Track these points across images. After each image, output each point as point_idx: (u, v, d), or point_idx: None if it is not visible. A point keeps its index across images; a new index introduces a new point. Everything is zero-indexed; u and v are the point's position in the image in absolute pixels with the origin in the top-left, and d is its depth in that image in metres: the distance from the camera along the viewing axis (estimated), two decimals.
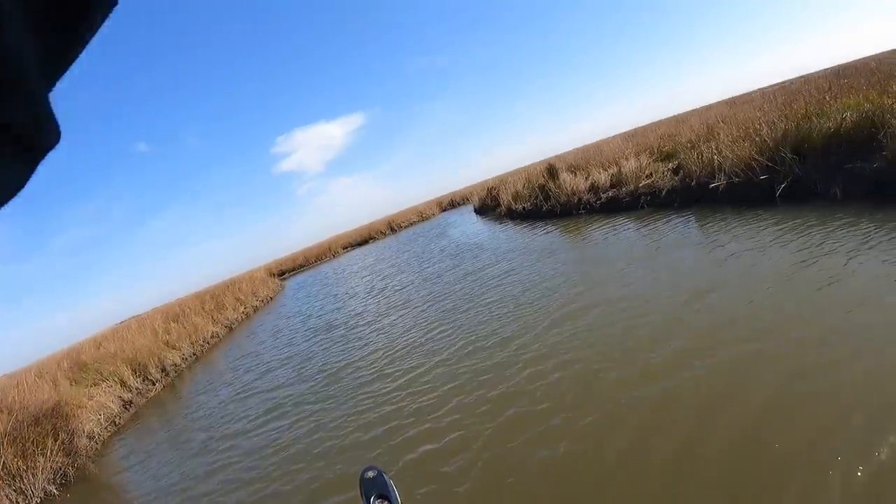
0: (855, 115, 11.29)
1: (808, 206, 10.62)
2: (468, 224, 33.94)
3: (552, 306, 9.80)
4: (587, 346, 7.51)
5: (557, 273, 12.23)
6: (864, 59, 29.64)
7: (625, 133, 39.62)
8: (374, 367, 10.18)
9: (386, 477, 2.58)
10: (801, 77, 32.97)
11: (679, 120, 30.67)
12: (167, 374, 18.44)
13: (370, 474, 2.58)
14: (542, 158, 42.81)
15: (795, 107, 13.99)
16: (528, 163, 58.41)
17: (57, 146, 0.46)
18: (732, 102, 30.98)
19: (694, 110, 37.97)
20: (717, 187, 13.53)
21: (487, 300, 11.93)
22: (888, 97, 11.27)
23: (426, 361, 9.39)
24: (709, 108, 35.17)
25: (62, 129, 0.46)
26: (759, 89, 36.56)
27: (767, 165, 12.29)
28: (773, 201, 11.74)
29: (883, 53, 30.67)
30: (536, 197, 24.37)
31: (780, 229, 9.80)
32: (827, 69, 30.59)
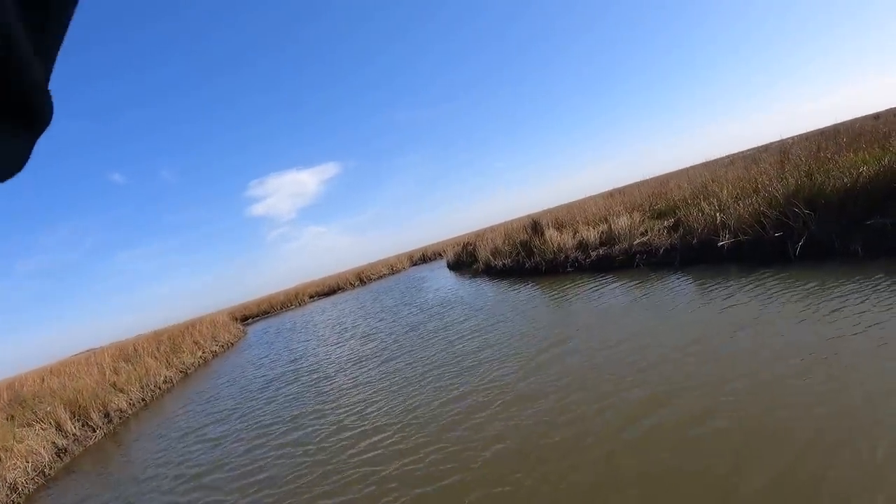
0: (872, 169, 10.89)
1: (826, 265, 10.10)
2: (442, 280, 32.94)
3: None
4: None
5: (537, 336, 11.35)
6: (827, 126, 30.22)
7: (604, 192, 39.48)
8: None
9: None
10: (770, 143, 33.54)
11: (661, 181, 30.75)
12: (110, 421, 16.62)
13: None
14: (518, 215, 42.51)
15: (807, 161, 13.65)
16: (501, 219, 58.31)
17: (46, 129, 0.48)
18: (706, 165, 31.54)
19: (672, 172, 38.22)
20: (723, 245, 12.91)
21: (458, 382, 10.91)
22: None
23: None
24: (685, 170, 35.47)
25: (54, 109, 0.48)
26: (730, 154, 36.95)
27: (780, 221, 11.75)
28: (787, 259, 11.18)
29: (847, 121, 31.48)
30: (518, 253, 23.66)
31: (791, 291, 9.21)
32: (795, 136, 31.28)
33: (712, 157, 35.06)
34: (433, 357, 12.31)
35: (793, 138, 29.11)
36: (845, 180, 11.15)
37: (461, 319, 16.22)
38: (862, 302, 7.68)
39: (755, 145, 41.68)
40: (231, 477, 9.01)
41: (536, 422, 7.11)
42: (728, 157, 35.63)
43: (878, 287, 8.05)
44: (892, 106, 32.86)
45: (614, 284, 14.63)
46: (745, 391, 6.15)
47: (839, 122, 35.10)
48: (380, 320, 22.42)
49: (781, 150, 21.68)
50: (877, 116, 24.03)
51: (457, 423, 7.93)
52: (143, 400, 19.45)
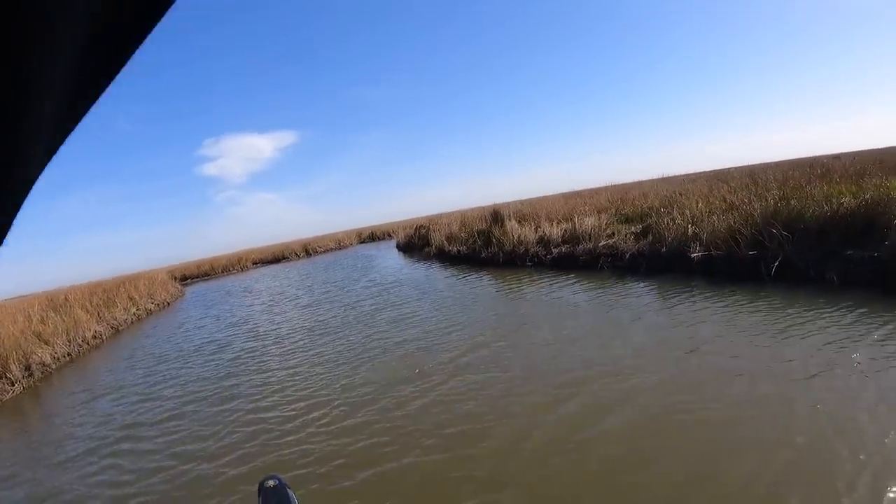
0: (854, 202, 10.97)
1: (800, 290, 10.01)
2: (391, 260, 32.38)
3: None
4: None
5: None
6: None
7: (564, 193, 39.47)
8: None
9: (288, 488, 2.21)
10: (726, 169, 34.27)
11: (620, 189, 30.95)
12: (31, 375, 15.14)
13: (270, 483, 2.21)
14: (472, 206, 42.15)
15: (779, 186, 13.90)
16: (453, 208, 57.93)
17: None
18: (664, 180, 32.22)
19: (630, 182, 38.55)
20: (694, 257, 12.78)
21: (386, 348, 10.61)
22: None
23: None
24: (641, 182, 35.82)
25: None
26: (688, 174, 37.37)
27: (756, 240, 11.70)
28: (759, 279, 11.06)
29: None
30: (475, 241, 23.26)
31: (758, 311, 9.22)
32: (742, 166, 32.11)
33: (669, 174, 35.28)
34: (361, 339, 12.09)
35: (756, 165, 29.70)
36: (825, 208, 11.20)
37: (405, 301, 15.95)
38: (823, 330, 7.77)
39: (710, 168, 42.18)
40: (151, 436, 8.51)
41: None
42: (686, 175, 35.93)
43: (843, 318, 8.13)
44: (852, 149, 33.84)
45: (574, 284, 14.37)
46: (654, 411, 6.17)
47: (799, 157, 36.24)
48: (322, 294, 21.95)
49: (750, 174, 22.40)
50: (837, 157, 25.03)
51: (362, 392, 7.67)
52: (68, 354, 18.00)
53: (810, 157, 31.39)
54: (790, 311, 8.90)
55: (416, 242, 34.71)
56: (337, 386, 9.09)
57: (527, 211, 24.84)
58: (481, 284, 16.94)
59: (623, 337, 9.14)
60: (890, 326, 7.44)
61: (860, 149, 37.13)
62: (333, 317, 15.71)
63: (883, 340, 7.01)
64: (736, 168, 35.89)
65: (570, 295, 13.15)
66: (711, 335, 8.45)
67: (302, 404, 8.53)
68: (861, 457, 4.54)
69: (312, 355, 11.51)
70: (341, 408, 8.04)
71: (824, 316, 8.33)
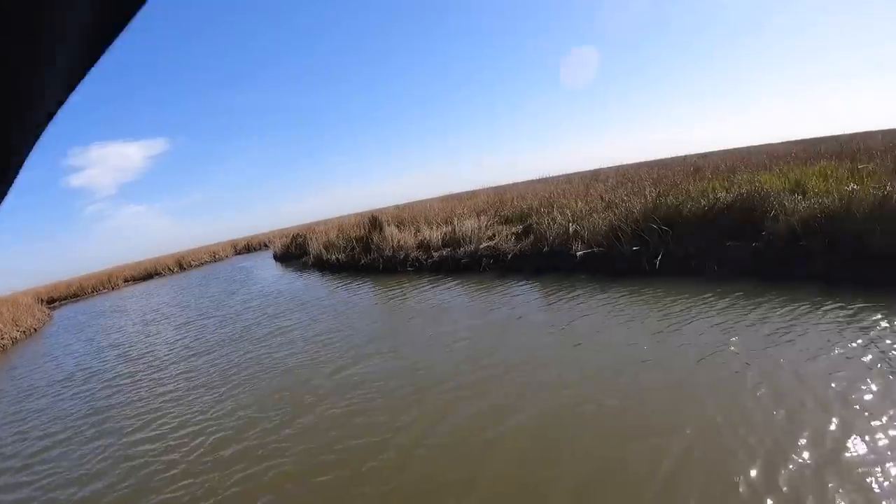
0: (729, 196, 11.24)
1: (681, 281, 10.18)
2: (268, 271, 30.70)
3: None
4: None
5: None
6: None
7: (440, 196, 39.14)
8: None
9: None
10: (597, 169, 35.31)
11: (497, 191, 30.91)
12: None
13: None
14: (349, 213, 41.24)
15: (655, 184, 14.23)
16: (332, 215, 56.53)
17: None
18: (540, 182, 32.10)
19: (507, 184, 38.84)
20: (577, 255, 12.58)
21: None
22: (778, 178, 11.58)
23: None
24: (516, 184, 36.12)
25: None
26: (565, 174, 37.90)
27: (637, 236, 11.72)
28: (643, 273, 11.13)
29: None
30: (353, 248, 22.38)
31: (640, 304, 9.42)
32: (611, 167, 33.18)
33: (546, 175, 35.65)
34: (238, 357, 11.21)
35: (630, 165, 30.60)
36: (703, 203, 11.38)
37: (283, 313, 15.06)
38: (704, 318, 8.10)
39: (585, 168, 43.23)
40: (14, 483, 7.36)
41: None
42: (562, 175, 36.42)
43: (718, 304, 8.57)
44: (714, 149, 35.48)
45: (456, 287, 13.90)
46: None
47: (670, 156, 37.71)
48: (197, 311, 20.34)
49: (624, 173, 22.97)
50: (704, 156, 26.31)
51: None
52: None
53: (681, 157, 32.69)
54: (672, 301, 9.12)
55: (294, 252, 33.35)
56: (217, 410, 8.27)
57: (405, 216, 24.21)
58: (361, 292, 16.09)
59: (507, 336, 8.99)
60: (764, 308, 7.96)
61: (726, 148, 39.39)
62: (210, 334, 14.48)
63: (756, 324, 7.44)
64: (609, 167, 36.85)
65: (453, 298, 12.71)
66: (596, 329, 8.54)
67: (180, 433, 7.71)
68: (750, 440, 4.70)
69: (189, 378, 10.48)
70: (222, 434, 7.32)
71: (704, 304, 8.67)
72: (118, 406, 9.83)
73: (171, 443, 7.41)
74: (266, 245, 54.73)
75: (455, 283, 14.49)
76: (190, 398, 9.16)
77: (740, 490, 4.11)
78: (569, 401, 6.12)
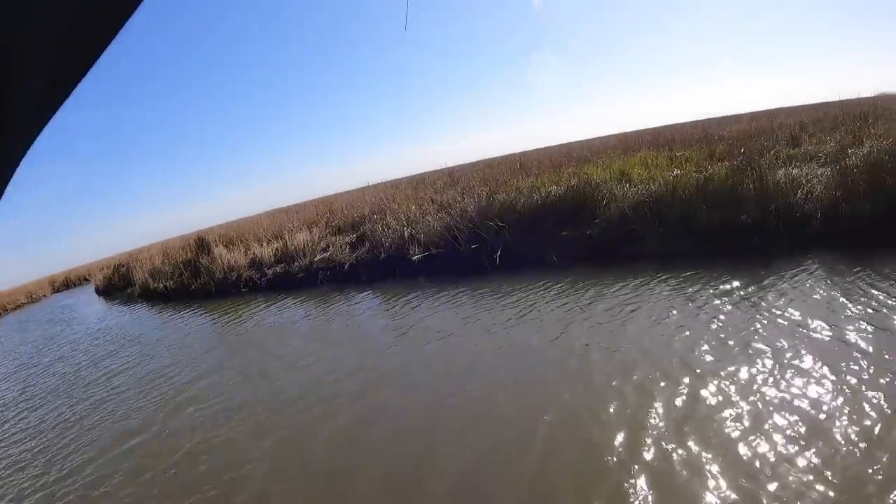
0: (560, 189, 11.53)
1: (521, 273, 10.32)
2: (89, 308, 27.77)
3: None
4: None
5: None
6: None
7: (268, 211, 37.81)
8: None
9: None
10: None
11: (326, 201, 30.38)
12: None
13: None
14: (172, 236, 38.89)
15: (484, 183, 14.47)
16: (154, 240, 52.83)
17: None
18: (368, 189, 32.03)
19: (335, 194, 38.53)
20: (415, 259, 12.11)
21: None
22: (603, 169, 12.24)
23: None
24: (341, 194, 35.81)
25: None
26: (389, 180, 37.97)
27: (475, 234, 11.59)
28: (484, 270, 11.04)
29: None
30: (181, 274, 20.64)
31: (484, 299, 9.49)
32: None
33: (373, 182, 35.52)
34: (62, 413, 9.60)
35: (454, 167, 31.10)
36: (535, 198, 11.53)
37: (111, 353, 13.31)
38: (544, 305, 8.45)
39: (410, 173, 43.82)
40: None
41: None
42: (388, 182, 36.35)
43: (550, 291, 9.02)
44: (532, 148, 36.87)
45: (293, 304, 13.00)
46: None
47: (491, 156, 38.76)
48: (17, 362, 17.94)
49: (450, 174, 23.14)
50: (523, 154, 27.28)
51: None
52: None
53: (503, 156, 33.60)
54: (513, 294, 9.30)
55: (118, 283, 30.54)
56: (56, 470, 7.01)
57: (233, 234, 22.66)
58: (194, 321, 14.62)
59: (350, 348, 8.68)
60: (601, 288, 8.53)
61: (548, 145, 41.22)
62: (36, 386, 12.47)
63: (595, 303, 7.98)
64: (436, 170, 37.26)
65: (291, 315, 11.94)
66: (439, 328, 8.45)
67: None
68: (605, 418, 4.88)
69: (17, 441, 8.65)
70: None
71: (545, 291, 9.03)
72: None
73: None
74: (87, 279, 50.31)
75: (292, 300, 13.50)
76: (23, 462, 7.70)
77: (609, 462, 4.26)
78: (428, 402, 6.09)
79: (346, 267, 14.03)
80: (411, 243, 12.65)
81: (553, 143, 41.37)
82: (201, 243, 20.61)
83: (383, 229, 13.91)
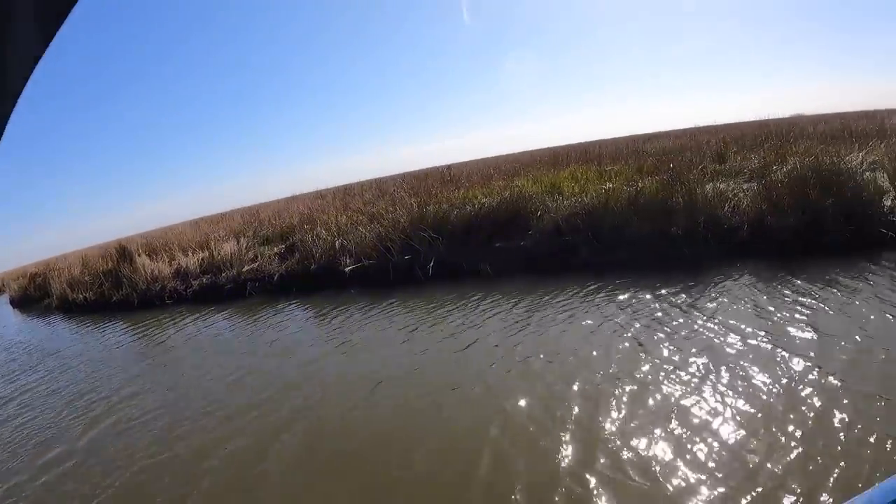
0: (493, 201, 11.62)
1: (454, 284, 10.33)
2: (6, 319, 26.26)
3: None
4: None
5: None
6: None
7: (193, 220, 36.77)
8: None
9: None
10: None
11: (251, 210, 29.96)
12: None
13: None
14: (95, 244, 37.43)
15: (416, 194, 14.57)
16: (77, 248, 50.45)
17: None
18: (291, 199, 31.84)
19: (258, 204, 38.25)
20: (346, 270, 11.82)
21: None
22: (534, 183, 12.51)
23: None
24: (268, 203, 35.45)
25: None
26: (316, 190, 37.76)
27: (408, 245, 11.47)
28: (418, 281, 11.01)
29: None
30: (101, 284, 19.68)
31: (414, 310, 9.49)
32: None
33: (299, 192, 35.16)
34: None
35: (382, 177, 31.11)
36: (468, 209, 11.57)
37: (26, 370, 12.41)
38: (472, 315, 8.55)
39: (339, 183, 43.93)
40: None
41: None
42: (316, 191, 36.05)
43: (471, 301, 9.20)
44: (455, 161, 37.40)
45: (220, 317, 12.44)
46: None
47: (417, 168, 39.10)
48: None
49: (378, 186, 23.24)
50: (448, 167, 27.52)
51: None
52: None
53: (430, 168, 33.91)
54: (445, 304, 9.35)
55: (34, 294, 29.04)
56: None
57: (157, 243, 21.78)
58: (115, 335, 13.77)
59: (277, 361, 8.38)
60: (535, 298, 8.65)
61: (476, 158, 41.89)
62: None
63: (529, 313, 8.09)
64: (363, 181, 37.27)
65: (217, 329, 11.44)
66: (369, 339, 8.42)
67: None
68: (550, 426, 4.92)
69: None
70: None
71: (477, 302, 9.10)
72: None
73: None
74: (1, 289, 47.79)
75: (219, 312, 12.92)
76: None
77: (562, 465, 4.27)
78: (361, 417, 5.91)
79: (276, 278, 13.58)
80: (342, 254, 12.34)
81: (476, 157, 42.19)
82: (123, 252, 19.67)
83: (314, 240, 13.54)
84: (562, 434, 4.69)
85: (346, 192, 25.99)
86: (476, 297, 9.25)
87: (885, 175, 9.64)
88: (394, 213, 12.81)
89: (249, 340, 9.90)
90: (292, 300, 12.21)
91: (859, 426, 4.15)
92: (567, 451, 4.44)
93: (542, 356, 6.43)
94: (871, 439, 4.00)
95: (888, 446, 3.89)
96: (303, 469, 5.16)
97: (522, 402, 5.38)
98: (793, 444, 4.10)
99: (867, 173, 9.87)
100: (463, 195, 13.16)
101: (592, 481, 4.03)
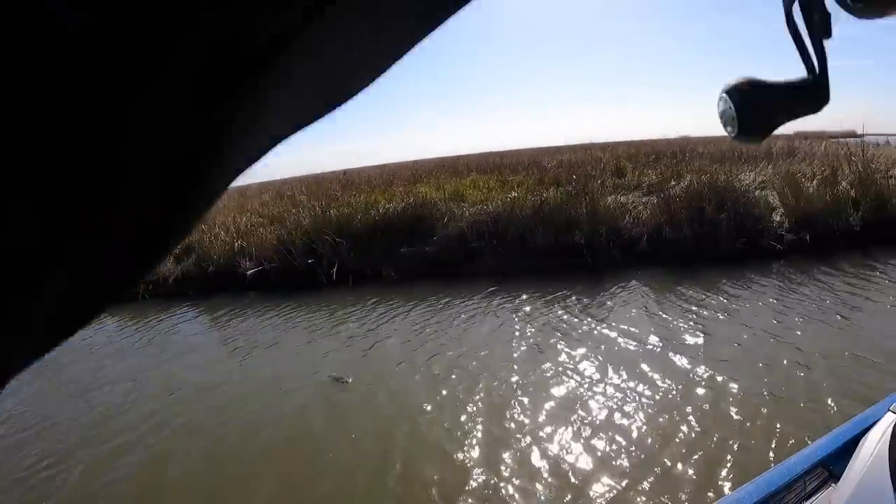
0: (399, 206, 11.70)
1: (357, 290, 10.28)
2: None
3: None
4: None
5: None
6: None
7: None
8: None
9: None
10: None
11: None
12: None
13: None
14: None
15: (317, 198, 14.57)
16: None
17: None
18: None
19: None
20: (246, 274, 11.51)
21: None
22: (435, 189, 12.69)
23: None
24: None
25: None
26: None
27: (310, 249, 11.30)
28: (318, 286, 10.83)
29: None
30: None
31: (314, 316, 9.32)
32: None
33: None
34: None
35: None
36: (372, 214, 11.62)
37: None
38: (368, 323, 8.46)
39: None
40: None
41: None
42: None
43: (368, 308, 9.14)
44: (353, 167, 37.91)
45: (108, 323, 11.46)
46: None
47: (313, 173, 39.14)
48: None
49: (277, 189, 23.12)
50: (344, 172, 28.09)
51: None
52: None
53: (328, 172, 34.01)
54: (343, 309, 9.28)
55: None
56: None
57: None
58: None
59: (168, 365, 8.01)
60: (440, 305, 8.64)
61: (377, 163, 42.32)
62: None
63: (432, 320, 8.08)
64: (260, 182, 36.82)
65: (103, 334, 10.50)
66: (267, 344, 8.17)
67: None
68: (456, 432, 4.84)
69: None
70: None
71: (374, 306, 9.12)
72: None
73: None
74: None
75: (109, 317, 12.10)
76: None
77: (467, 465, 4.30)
78: (263, 417, 5.71)
79: (171, 281, 12.95)
80: (242, 256, 11.97)
81: (372, 164, 42.57)
82: None
83: (211, 241, 13.01)
84: (464, 437, 4.71)
85: (241, 193, 25.41)
86: (377, 301, 9.26)
87: (775, 193, 10.41)
88: (297, 214, 12.57)
89: (137, 349, 9.39)
90: (188, 305, 11.69)
91: (742, 418, 4.46)
92: (472, 453, 4.46)
93: (444, 358, 6.48)
94: (757, 426, 4.31)
95: (772, 435, 4.15)
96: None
97: (426, 406, 5.36)
98: (684, 434, 4.32)
99: (758, 191, 10.68)
100: (365, 200, 13.14)
101: (495, 478, 4.08)
